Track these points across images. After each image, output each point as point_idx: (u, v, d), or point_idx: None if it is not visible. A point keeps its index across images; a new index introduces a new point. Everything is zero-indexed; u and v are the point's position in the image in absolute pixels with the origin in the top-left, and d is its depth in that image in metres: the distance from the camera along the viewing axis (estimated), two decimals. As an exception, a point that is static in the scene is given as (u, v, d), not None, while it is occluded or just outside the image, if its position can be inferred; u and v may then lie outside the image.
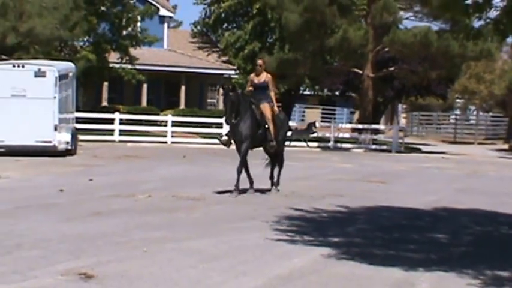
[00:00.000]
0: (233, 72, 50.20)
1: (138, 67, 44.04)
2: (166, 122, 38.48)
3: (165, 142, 37.00)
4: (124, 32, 42.68)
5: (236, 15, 50.51)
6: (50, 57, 33.34)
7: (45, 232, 11.03)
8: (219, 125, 38.34)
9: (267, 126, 16.58)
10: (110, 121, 36.47)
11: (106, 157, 26.42)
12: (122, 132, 36.56)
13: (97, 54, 41.00)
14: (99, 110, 41.19)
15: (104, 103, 47.82)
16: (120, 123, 36.89)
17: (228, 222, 12.64)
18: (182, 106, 48.21)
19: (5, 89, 25.21)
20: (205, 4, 51.84)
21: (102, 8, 41.57)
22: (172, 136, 37.53)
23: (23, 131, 24.86)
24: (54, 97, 25.94)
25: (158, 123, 40.54)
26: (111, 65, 42.95)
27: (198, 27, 54.04)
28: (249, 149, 16.69)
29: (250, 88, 17.11)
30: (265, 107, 16.63)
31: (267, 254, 10.06)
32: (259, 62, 17.67)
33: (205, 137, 37.87)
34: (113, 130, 36.34)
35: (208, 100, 52.20)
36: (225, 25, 51.67)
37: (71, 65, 29.90)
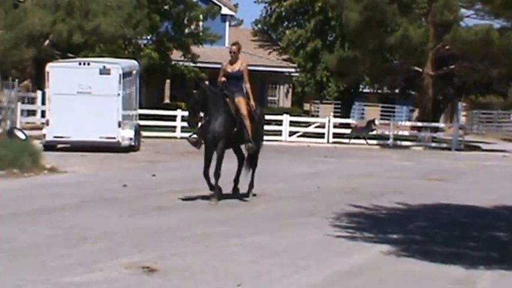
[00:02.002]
0: (293, 70, 50.17)
1: (199, 65, 44.22)
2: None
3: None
4: (186, 31, 42.89)
5: (297, 14, 50.46)
6: (115, 55, 33.67)
7: (110, 226, 11.15)
8: (279, 123, 38.47)
9: (242, 123, 14.38)
10: (172, 118, 36.65)
11: (168, 153, 26.59)
12: (184, 129, 36.68)
13: (160, 52, 41.29)
14: (161, 107, 41.44)
15: (166, 100, 48.11)
16: (182, 120, 37.02)
17: (288, 218, 12.64)
18: (243, 103, 48.27)
19: (71, 86, 25.51)
20: (266, 3, 51.89)
21: (165, 7, 41.83)
22: (232, 133, 37.50)
23: (88, 127, 25.13)
24: (118, 94, 26.18)
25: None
26: (173, 63, 43.21)
27: (259, 26, 54.15)
28: (225, 149, 14.54)
29: (223, 78, 14.61)
30: (240, 101, 14.37)
31: (326, 250, 10.05)
32: (233, 48, 14.80)
33: (265, 134, 37.82)
34: (174, 127, 36.56)
35: (269, 98, 52.19)
36: (286, 23, 51.67)
37: (134, 62, 30.14)
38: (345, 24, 40.14)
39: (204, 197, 14.00)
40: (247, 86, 14.58)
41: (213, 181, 14.12)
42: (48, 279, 7.77)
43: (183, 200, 14.16)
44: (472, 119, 66.45)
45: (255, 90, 45.62)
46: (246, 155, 15.16)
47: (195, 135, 14.42)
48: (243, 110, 14.28)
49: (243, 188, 15.13)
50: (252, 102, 14.66)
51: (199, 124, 14.24)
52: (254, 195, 15.06)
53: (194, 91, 14.06)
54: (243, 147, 14.96)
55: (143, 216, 12.23)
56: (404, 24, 37.99)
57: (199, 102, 13.87)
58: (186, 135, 36.30)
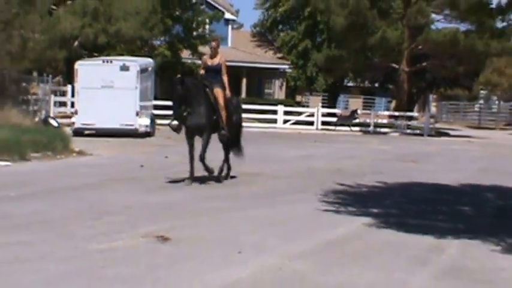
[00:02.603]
0: (287, 66, 50.12)
1: (206, 62, 44.12)
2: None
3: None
4: (194, 33, 42.84)
5: (290, 18, 50.57)
6: (133, 54, 33.62)
7: (129, 201, 11.14)
8: (275, 112, 38.43)
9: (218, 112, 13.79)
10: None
11: (178, 139, 26.39)
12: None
13: (172, 52, 41.28)
14: (173, 98, 41.30)
15: (178, 93, 48.00)
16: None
17: (282, 195, 12.63)
18: (243, 95, 48.24)
19: (96, 81, 25.52)
20: (263, 9, 51.96)
21: (177, 13, 41.74)
22: (235, 121, 37.52)
23: (110, 116, 25.13)
24: (136, 88, 26.17)
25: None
26: (183, 61, 43.19)
27: (257, 28, 54.23)
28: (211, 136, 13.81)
29: (202, 71, 14.23)
30: (218, 92, 13.70)
31: (315, 222, 10.03)
32: (213, 44, 14.37)
33: (262, 122, 37.94)
34: (185, 116, 36.42)
35: (266, 90, 52.10)
36: (280, 26, 51.75)
37: (150, 60, 30.10)
38: (332, 27, 40.18)
39: (208, 177, 13.93)
40: (224, 78, 13.93)
41: (197, 164, 13.45)
42: (77, 247, 7.77)
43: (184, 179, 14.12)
44: (442, 109, 66.44)
45: (254, 84, 44.97)
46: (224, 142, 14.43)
47: (175, 121, 13.53)
48: (221, 100, 13.68)
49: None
50: (228, 92, 13.92)
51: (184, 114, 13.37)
52: (225, 178, 14.21)
53: (178, 87, 13.15)
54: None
55: (157, 193, 12.22)
56: (383, 27, 38.00)
57: (183, 97, 13.13)
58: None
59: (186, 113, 13.19)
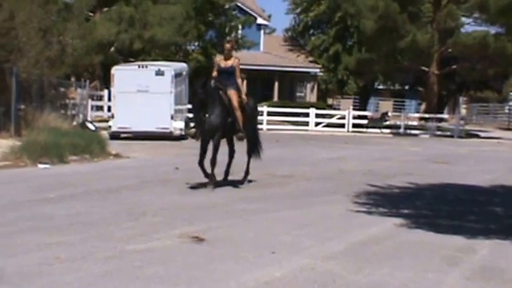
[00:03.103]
0: (318, 70, 50.03)
1: (238, 67, 44.24)
2: (262, 112, 38.54)
3: (261, 129, 37.00)
4: (227, 38, 42.96)
5: (321, 23, 50.51)
6: (168, 59, 33.80)
7: (165, 202, 11.20)
8: (306, 115, 38.39)
9: (234, 114, 13.18)
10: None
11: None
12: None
13: (205, 56, 41.43)
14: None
15: (211, 97, 48.17)
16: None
17: (314, 196, 12.60)
18: (275, 99, 48.24)
19: (132, 85, 25.69)
20: (295, 13, 51.94)
21: (210, 18, 41.89)
22: (267, 124, 37.64)
23: (146, 120, 25.29)
24: (171, 92, 26.30)
25: (256, 113, 40.56)
26: (217, 65, 43.31)
27: (289, 33, 54.19)
28: (221, 139, 13.27)
29: (215, 73, 13.42)
30: (232, 94, 13.13)
31: (348, 223, 10.00)
32: (227, 45, 13.78)
33: (294, 125, 37.95)
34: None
35: (297, 94, 52.05)
36: (312, 31, 51.69)
37: (184, 65, 30.22)
38: (362, 31, 40.06)
39: (232, 181, 13.92)
40: (238, 81, 13.30)
41: (208, 170, 12.92)
42: (115, 247, 7.82)
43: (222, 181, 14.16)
44: (472, 111, 65.77)
45: (285, 87, 44.98)
46: (240, 147, 13.95)
47: (193, 128, 13.20)
48: (234, 102, 13.05)
49: (239, 175, 13.92)
50: (244, 96, 13.35)
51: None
52: (249, 181, 13.84)
53: (200, 90, 12.64)
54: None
55: (192, 194, 12.26)
56: (413, 31, 37.78)
57: (204, 101, 12.63)
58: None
59: (204, 117, 12.74)
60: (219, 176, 13.35)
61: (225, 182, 13.43)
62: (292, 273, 7.05)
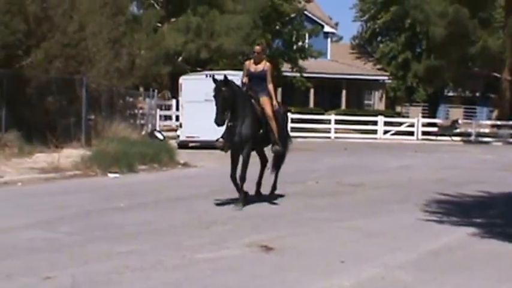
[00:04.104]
0: (386, 77, 49.64)
1: (306, 75, 44.26)
2: (330, 120, 38.49)
3: (329, 137, 37.00)
4: (294, 47, 43.01)
5: (389, 30, 50.19)
6: (234, 68, 33.97)
7: (234, 212, 11.24)
8: (375, 123, 38.09)
9: (268, 125, 11.90)
10: (283, 120, 36.91)
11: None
12: (293, 129, 36.77)
13: (272, 65, 41.54)
14: (274, 111, 41.59)
15: (278, 105, 48.26)
16: (292, 122, 37.13)
17: (384, 205, 12.47)
18: (343, 107, 48.03)
19: (200, 95, 25.83)
20: (362, 21, 51.71)
21: (277, 27, 42.00)
22: (335, 132, 37.51)
23: (213, 129, 25.29)
24: (238, 101, 26.42)
25: (323, 121, 40.59)
26: (284, 74, 43.38)
27: (357, 41, 53.98)
28: (251, 152, 12.00)
29: (245, 78, 12.13)
30: (265, 102, 11.86)
31: (418, 232, 9.86)
32: (257, 48, 12.26)
33: (362, 133, 37.72)
34: (285, 127, 36.71)
35: (365, 102, 51.72)
36: (380, 38, 51.38)
37: (251, 74, 30.34)
38: (431, 37, 39.62)
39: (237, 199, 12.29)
40: (270, 86, 12.01)
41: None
42: (185, 256, 7.89)
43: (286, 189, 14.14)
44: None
45: (353, 95, 44.66)
46: (271, 157, 12.86)
47: (221, 139, 11.94)
48: (269, 110, 11.81)
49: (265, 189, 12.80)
50: (275, 102, 12.07)
51: (226, 124, 11.70)
52: (280, 196, 12.79)
53: (223, 88, 11.36)
54: (267, 149, 12.58)
55: (260, 203, 12.26)
56: (484, 36, 37.15)
57: (228, 101, 11.38)
58: (295, 134, 36.67)
59: (230, 124, 11.56)
60: (250, 190, 12.29)
61: (259, 198, 12.40)
62: (362, 283, 7.00)
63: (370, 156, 24.67)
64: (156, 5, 37.03)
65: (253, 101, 11.80)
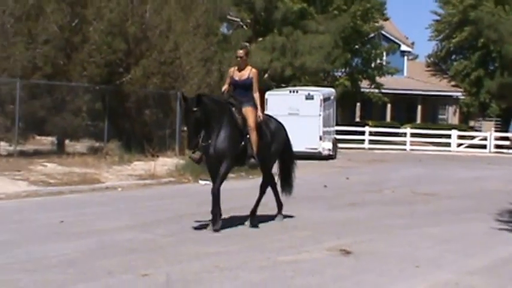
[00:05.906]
0: (460, 94, 48.70)
1: (383, 91, 43.81)
2: (406, 133, 37.99)
3: (405, 149, 36.51)
4: (372, 65, 42.66)
5: (463, 48, 49.27)
6: (316, 85, 33.97)
7: (314, 217, 11.21)
8: (448, 136, 37.35)
9: (248, 136, 10.02)
10: (361, 133, 36.70)
11: (359, 161, 26.44)
12: (371, 142, 36.59)
13: (351, 82, 41.36)
14: (353, 124, 41.35)
15: (357, 119, 47.94)
16: (369, 135, 36.93)
17: (457, 213, 12.21)
18: (418, 121, 47.30)
19: (284, 108, 25.95)
20: (437, 40, 50.95)
21: (356, 46, 41.77)
22: (410, 145, 37.01)
23: (296, 141, 25.20)
24: (320, 115, 26.40)
25: (399, 134, 40.08)
26: (362, 90, 43.15)
27: (431, 59, 53.11)
28: (232, 167, 10.26)
29: (226, 86, 10.34)
30: (248, 112, 10.04)
31: (490, 240, 9.61)
32: (240, 52, 10.18)
33: (437, 146, 37.07)
34: (363, 140, 36.51)
35: (440, 116, 50.78)
36: (454, 56, 50.51)
37: (332, 90, 30.28)
38: (505, 55, 38.56)
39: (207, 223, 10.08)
40: (255, 95, 10.23)
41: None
42: (268, 258, 7.90)
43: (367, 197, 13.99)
44: None
45: (428, 110, 43.83)
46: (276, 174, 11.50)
47: (198, 152, 9.83)
48: (251, 121, 10.01)
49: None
50: (259, 113, 10.21)
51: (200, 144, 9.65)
52: (282, 218, 10.94)
53: (195, 109, 9.37)
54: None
55: (340, 210, 12.21)
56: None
57: (201, 121, 9.47)
58: (372, 146, 36.14)
59: (206, 142, 9.61)
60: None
61: (253, 222, 10.33)
62: (436, 287, 6.84)
63: (444, 168, 24.18)
64: (244, 26, 37.35)
65: (234, 109, 10.01)
